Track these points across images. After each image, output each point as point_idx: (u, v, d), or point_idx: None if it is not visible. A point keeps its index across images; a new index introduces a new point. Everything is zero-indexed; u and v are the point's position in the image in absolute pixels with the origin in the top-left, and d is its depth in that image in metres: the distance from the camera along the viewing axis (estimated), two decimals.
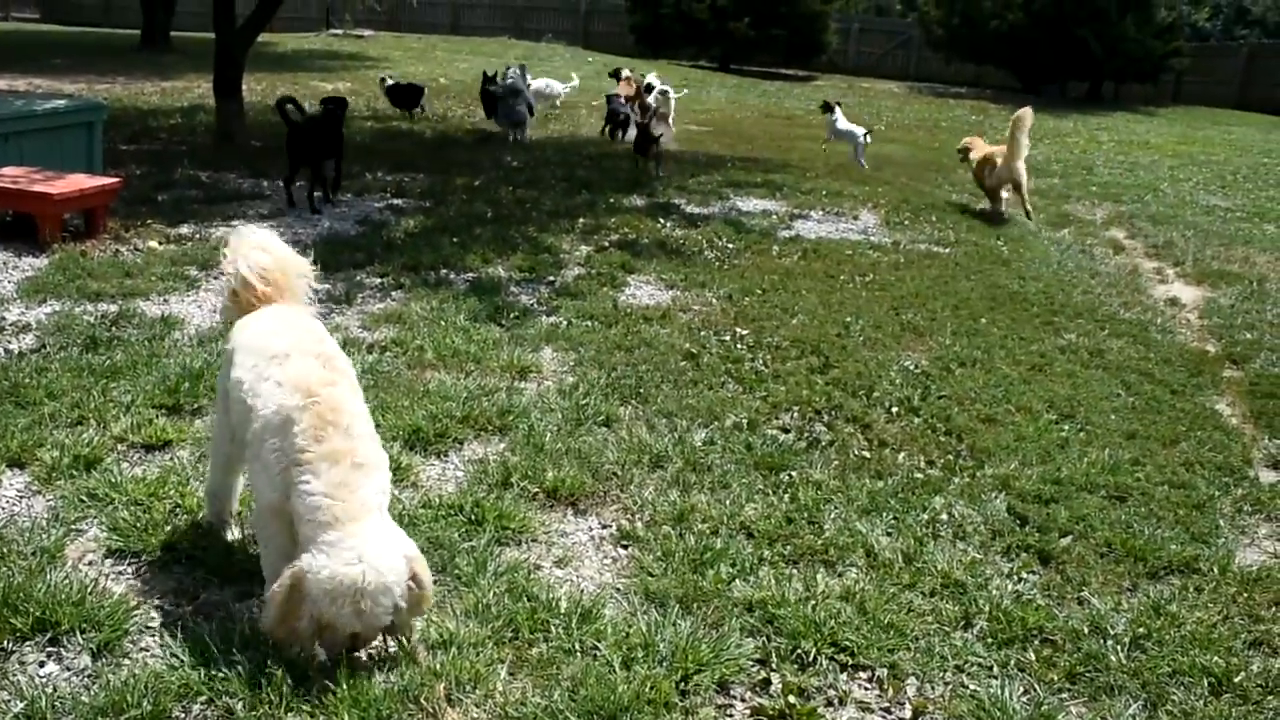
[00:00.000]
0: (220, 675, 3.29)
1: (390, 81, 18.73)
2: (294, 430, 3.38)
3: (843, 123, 16.17)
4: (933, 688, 3.58)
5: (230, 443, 3.86)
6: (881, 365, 6.70)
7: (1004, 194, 12.58)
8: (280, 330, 3.81)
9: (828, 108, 16.50)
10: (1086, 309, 8.52)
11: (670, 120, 16.50)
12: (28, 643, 3.44)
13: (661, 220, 10.84)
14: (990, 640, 3.84)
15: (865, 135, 15.95)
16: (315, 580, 3.19)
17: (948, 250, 10.37)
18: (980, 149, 13.09)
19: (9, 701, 3.16)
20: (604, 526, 4.50)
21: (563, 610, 3.75)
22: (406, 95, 18.33)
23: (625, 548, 4.33)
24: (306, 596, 3.21)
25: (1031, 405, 6.22)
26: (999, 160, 12.22)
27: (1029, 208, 12.31)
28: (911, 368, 6.73)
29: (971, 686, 3.58)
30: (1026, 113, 12.19)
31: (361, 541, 3.23)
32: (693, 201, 12.12)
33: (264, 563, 3.62)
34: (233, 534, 4.13)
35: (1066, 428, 5.95)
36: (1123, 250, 11.24)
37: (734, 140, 18.58)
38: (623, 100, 17.48)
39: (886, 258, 9.83)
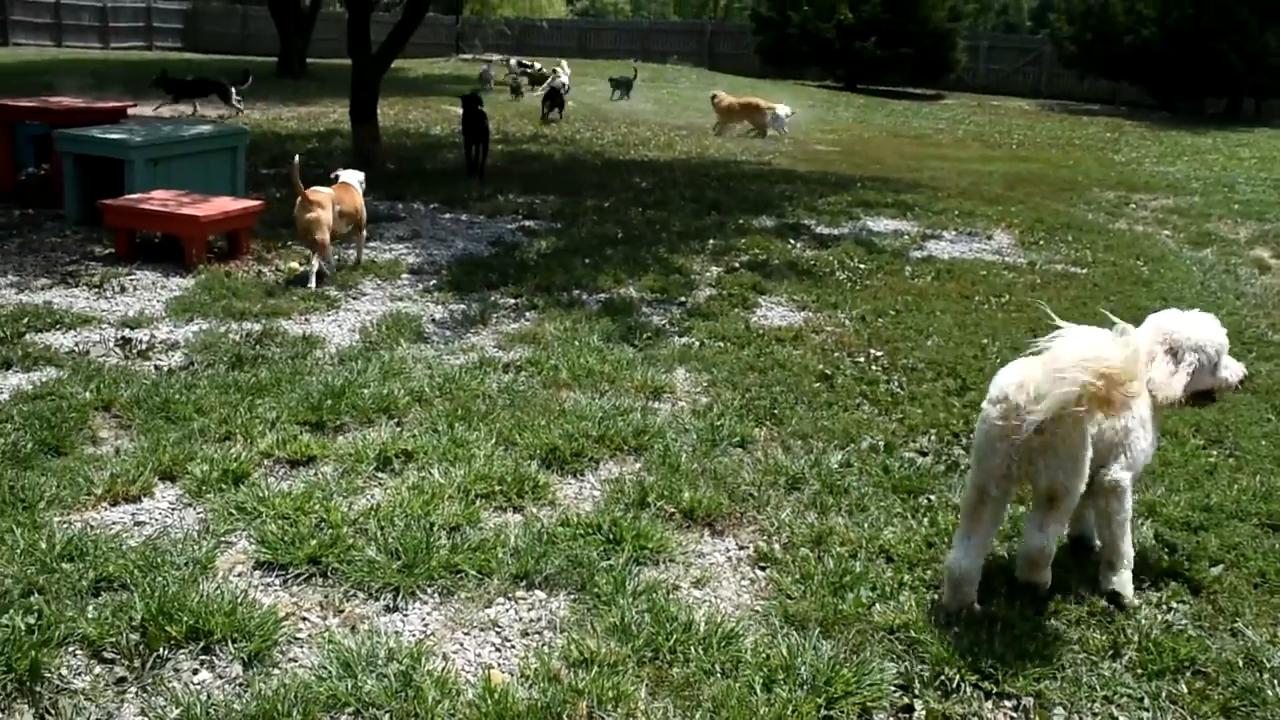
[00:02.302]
0: (367, 687, 3.35)
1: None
2: None
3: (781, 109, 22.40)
4: (1080, 718, 3.50)
5: None
6: None
7: (736, 126, 21.91)
8: None
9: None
10: (1232, 331, 8.15)
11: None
12: (182, 650, 3.54)
13: (791, 241, 10.82)
14: (1140, 671, 3.74)
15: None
16: None
17: (1085, 271, 10.15)
18: (726, 99, 22.13)
19: (165, 708, 3.25)
20: (741, 548, 4.48)
21: (702, 631, 3.75)
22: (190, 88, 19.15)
23: (763, 569, 4.31)
24: None
25: (1177, 430, 6.04)
26: (738, 108, 21.81)
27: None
28: None
29: (1121, 718, 3.49)
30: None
31: None
32: (823, 222, 12.06)
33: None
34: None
35: (1215, 454, 5.77)
36: (1269, 270, 10.87)
37: (862, 160, 18.49)
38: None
39: (1022, 278, 9.67)
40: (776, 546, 4.46)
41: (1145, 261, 10.70)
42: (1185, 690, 3.64)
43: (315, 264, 8.19)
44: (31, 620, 3.57)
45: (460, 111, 14.55)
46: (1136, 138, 25.65)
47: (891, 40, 36.29)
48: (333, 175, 8.99)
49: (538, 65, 30.38)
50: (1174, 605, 4.19)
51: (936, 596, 4.11)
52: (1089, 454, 3.98)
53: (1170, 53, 31.88)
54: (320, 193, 8.23)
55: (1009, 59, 41.90)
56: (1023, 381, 3.86)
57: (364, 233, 8.90)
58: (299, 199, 8.14)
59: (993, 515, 4.04)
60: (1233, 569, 4.49)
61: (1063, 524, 4.19)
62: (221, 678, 3.45)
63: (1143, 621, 4.02)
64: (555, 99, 21.57)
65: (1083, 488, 4.04)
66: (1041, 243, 11.43)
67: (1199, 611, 4.17)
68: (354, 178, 8.80)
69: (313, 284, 8.05)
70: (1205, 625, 4.07)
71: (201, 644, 3.57)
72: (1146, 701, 3.57)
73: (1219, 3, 31.05)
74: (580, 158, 16.73)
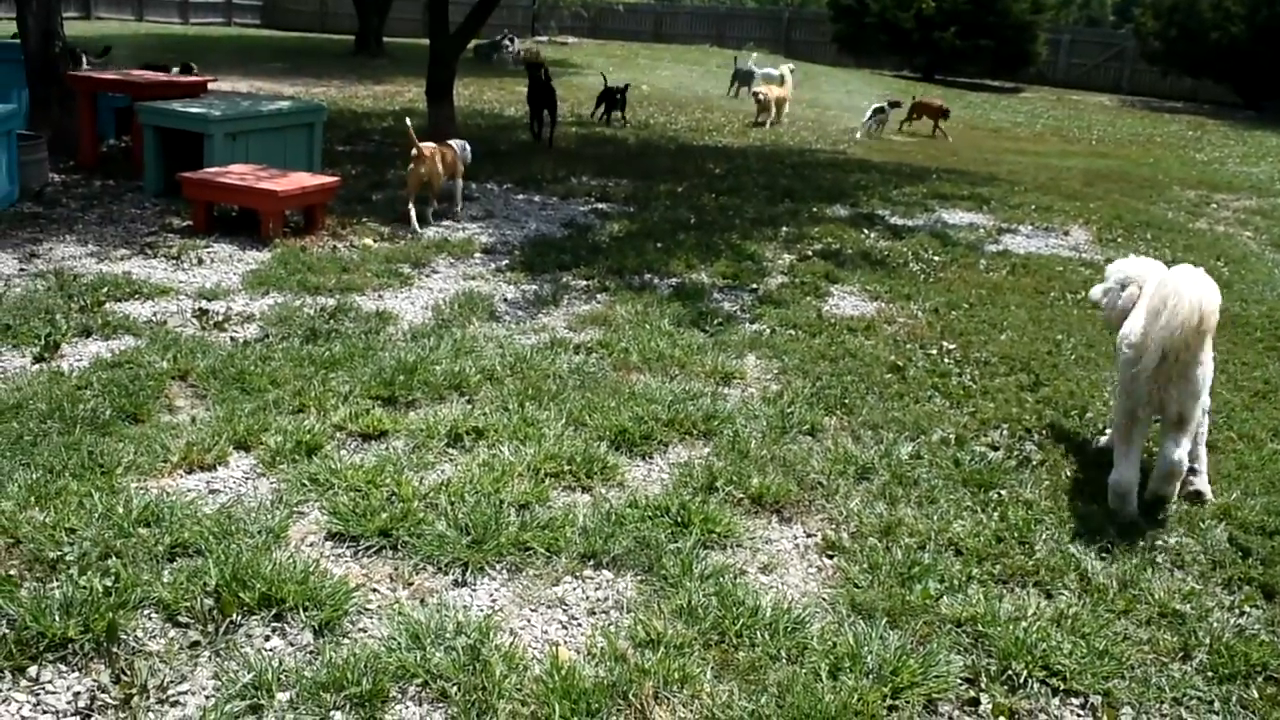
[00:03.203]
0: (435, 659, 3.39)
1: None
2: None
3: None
4: (1149, 719, 3.46)
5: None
6: (1095, 385, 6.50)
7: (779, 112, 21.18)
8: None
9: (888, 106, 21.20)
10: None
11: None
12: (254, 616, 3.59)
13: (865, 231, 10.75)
14: (1211, 674, 3.69)
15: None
16: None
17: None
18: (775, 90, 21.22)
19: (238, 672, 3.30)
20: (809, 535, 4.47)
21: (768, 616, 3.74)
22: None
23: (831, 558, 4.29)
24: None
25: (1254, 433, 5.95)
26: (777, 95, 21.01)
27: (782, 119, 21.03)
28: None
29: None
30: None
31: None
32: (897, 213, 11.98)
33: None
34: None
35: None
36: None
37: (939, 152, 18.32)
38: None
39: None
40: (845, 535, 4.45)
41: (1226, 262, 10.51)
42: (1256, 695, 3.59)
43: (434, 205, 9.90)
44: (109, 583, 3.64)
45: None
46: (1219, 137, 25.19)
47: (971, 31, 35.88)
48: (448, 143, 10.33)
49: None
50: (1247, 609, 4.13)
51: (1005, 591, 4.09)
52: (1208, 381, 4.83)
53: (1258, 51, 31.24)
54: (429, 147, 9.65)
55: (1091, 54, 41.21)
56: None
57: (460, 181, 10.40)
58: (413, 155, 9.48)
59: (1141, 435, 4.87)
60: None
61: (1189, 441, 4.87)
62: (293, 645, 3.49)
63: (1215, 625, 3.96)
64: (609, 100, 19.11)
65: (1200, 412, 4.87)
66: (1119, 240, 11.26)
67: (1272, 616, 4.11)
68: (459, 145, 10.38)
69: (431, 223, 9.75)
70: (1278, 630, 4.01)
71: (274, 611, 3.62)
72: (1216, 705, 3.53)
73: None
74: (654, 142, 16.72)
